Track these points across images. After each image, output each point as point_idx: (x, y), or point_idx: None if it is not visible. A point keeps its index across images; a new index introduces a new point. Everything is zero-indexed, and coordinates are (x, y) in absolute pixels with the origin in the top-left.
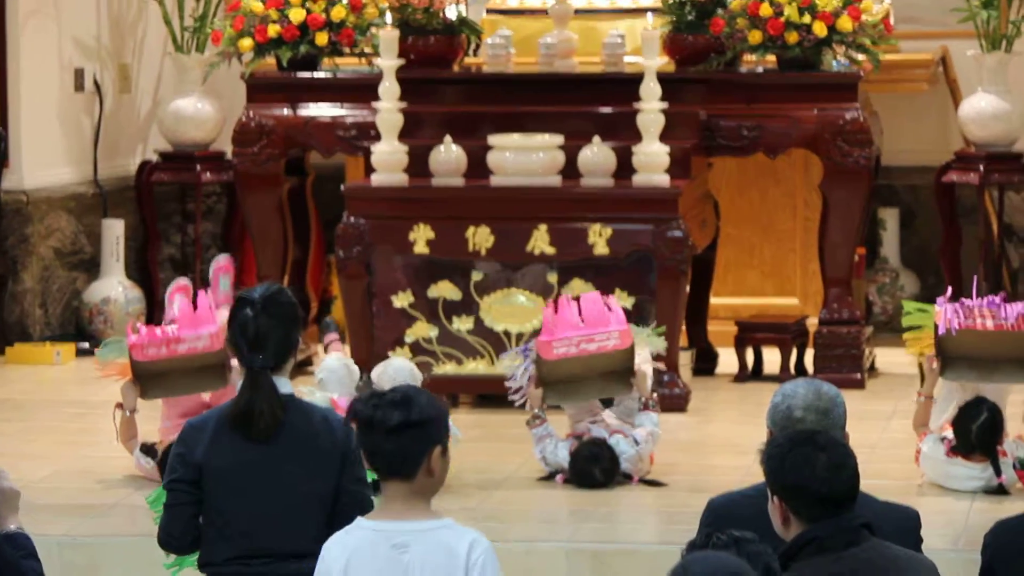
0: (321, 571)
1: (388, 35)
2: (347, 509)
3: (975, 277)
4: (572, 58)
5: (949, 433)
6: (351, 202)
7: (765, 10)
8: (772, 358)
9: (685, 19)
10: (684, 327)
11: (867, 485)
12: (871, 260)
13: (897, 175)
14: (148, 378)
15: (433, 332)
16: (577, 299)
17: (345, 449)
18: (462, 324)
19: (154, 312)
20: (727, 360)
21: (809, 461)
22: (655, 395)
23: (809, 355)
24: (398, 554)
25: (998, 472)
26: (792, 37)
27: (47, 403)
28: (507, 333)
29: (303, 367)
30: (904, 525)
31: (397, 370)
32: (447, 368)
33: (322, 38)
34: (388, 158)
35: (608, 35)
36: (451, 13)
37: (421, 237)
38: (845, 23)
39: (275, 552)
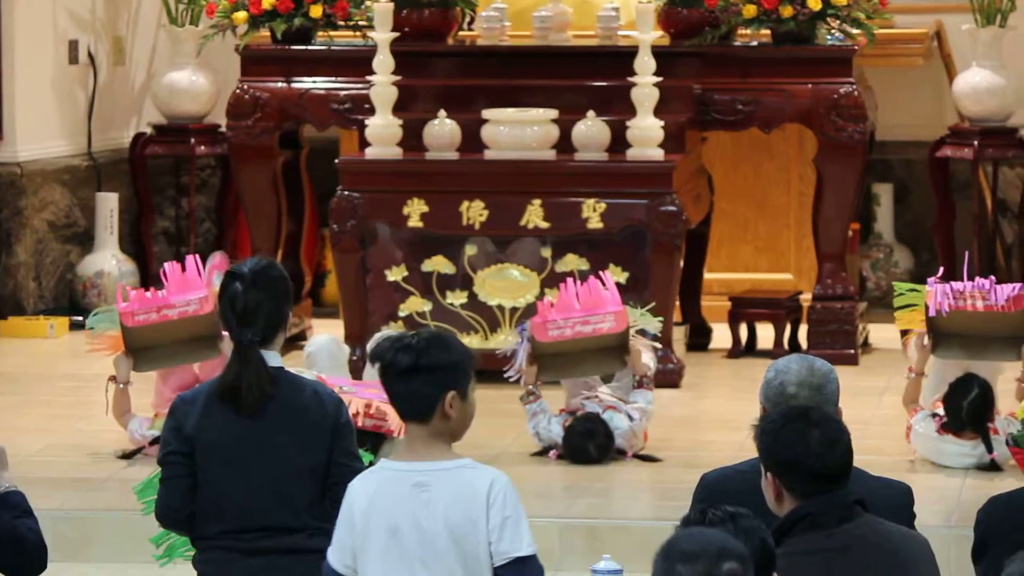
0: (344, 511)
1: (383, 8)
2: (339, 482)
3: (966, 254)
4: (567, 31)
5: (940, 410)
6: (345, 176)
7: None
8: (766, 333)
9: None
10: (678, 302)
11: (860, 461)
12: (865, 235)
13: (891, 150)
14: (140, 349)
15: (427, 306)
16: (576, 283)
17: (335, 422)
18: (456, 298)
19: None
20: (721, 335)
21: (803, 437)
22: (649, 373)
23: (803, 331)
24: (419, 492)
25: (989, 449)
26: (787, 11)
27: (40, 377)
28: (500, 308)
29: (295, 342)
30: (897, 501)
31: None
32: None
33: (316, 10)
34: (382, 131)
35: (603, 8)
36: None
37: (415, 211)
38: None
39: (267, 526)
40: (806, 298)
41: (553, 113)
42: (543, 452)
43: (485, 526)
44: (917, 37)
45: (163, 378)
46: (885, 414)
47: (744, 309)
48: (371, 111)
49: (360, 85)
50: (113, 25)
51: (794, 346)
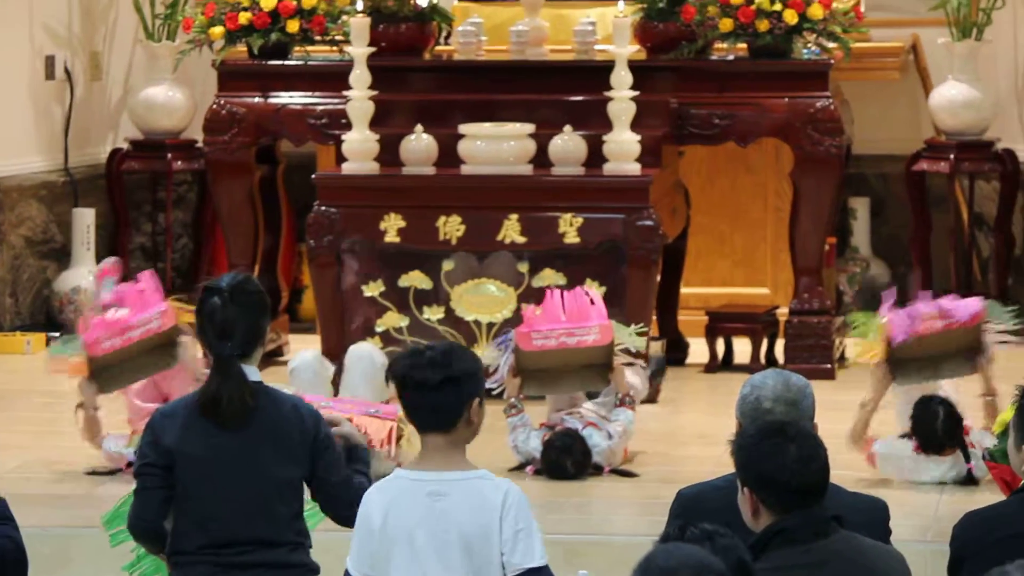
0: (362, 519)
1: (359, 23)
2: (338, 495)
3: (929, 293)
4: (543, 46)
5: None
6: (322, 191)
7: None
8: (743, 348)
9: (656, 7)
10: (655, 317)
11: (836, 476)
12: (842, 249)
13: (868, 164)
14: (102, 371)
15: (404, 322)
16: (562, 293)
17: (315, 437)
18: (433, 314)
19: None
20: (698, 350)
21: (779, 452)
22: (633, 392)
23: (779, 345)
24: (434, 501)
25: (968, 459)
26: (763, 25)
27: (17, 393)
28: (477, 323)
29: (272, 357)
30: (873, 516)
31: (359, 356)
32: None
33: (293, 26)
34: (359, 146)
35: (579, 23)
36: (422, 1)
37: (392, 226)
38: (816, 11)
39: (247, 540)
40: (783, 312)
41: (530, 128)
42: (520, 467)
43: (498, 537)
44: (893, 51)
45: (129, 392)
46: None
47: (721, 323)
48: (348, 126)
49: (337, 100)
50: (90, 40)
51: (771, 360)
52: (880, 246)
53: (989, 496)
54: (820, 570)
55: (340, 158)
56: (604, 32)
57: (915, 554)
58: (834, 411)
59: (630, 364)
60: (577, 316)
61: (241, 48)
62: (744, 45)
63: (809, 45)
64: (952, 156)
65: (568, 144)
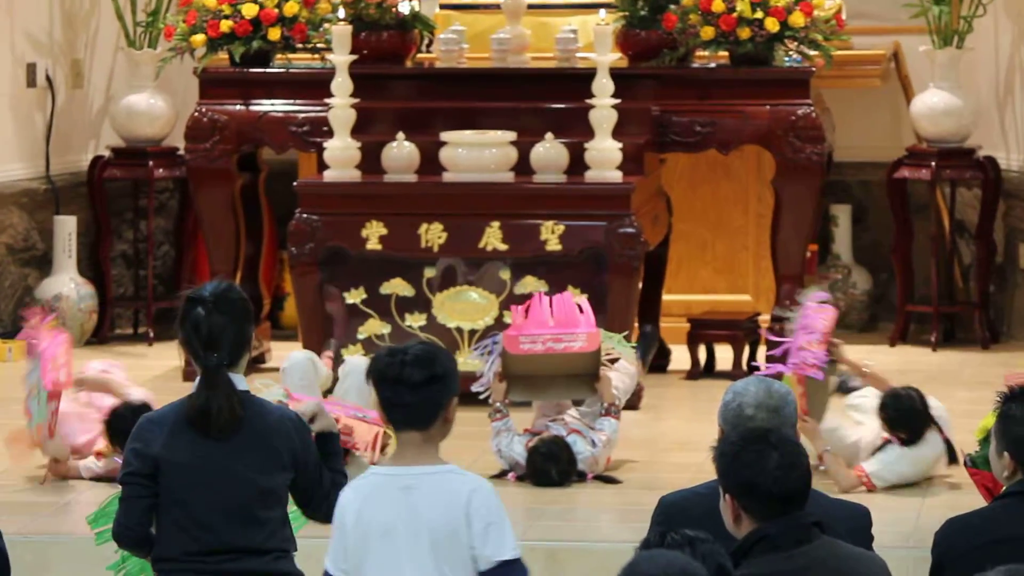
0: (337, 517)
1: (341, 30)
2: (328, 494)
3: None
4: (525, 54)
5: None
6: (304, 198)
7: (717, 6)
8: (725, 355)
9: (638, 15)
10: (636, 324)
11: (819, 483)
12: (823, 256)
13: (849, 171)
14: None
15: (385, 329)
16: (551, 299)
17: (300, 446)
18: (415, 321)
19: (106, 309)
20: (680, 357)
21: (761, 459)
22: (618, 402)
23: (761, 352)
24: (405, 495)
25: (951, 449)
26: (744, 33)
27: None
28: (459, 330)
29: (254, 364)
30: (855, 523)
31: (354, 369)
32: None
33: (275, 33)
34: (341, 154)
35: (561, 31)
36: (404, 8)
37: (374, 234)
38: (797, 19)
39: (232, 547)
40: (765, 319)
41: (511, 135)
42: (501, 475)
43: (467, 531)
44: (874, 59)
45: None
46: None
47: (703, 330)
48: (329, 134)
49: (318, 108)
50: (71, 48)
51: (753, 367)
52: (862, 253)
53: (971, 502)
54: None
55: (322, 166)
56: (586, 40)
57: (897, 560)
58: None
59: (614, 360)
60: (565, 322)
61: (223, 56)
62: (726, 53)
63: (790, 53)
64: (933, 163)
65: (550, 152)
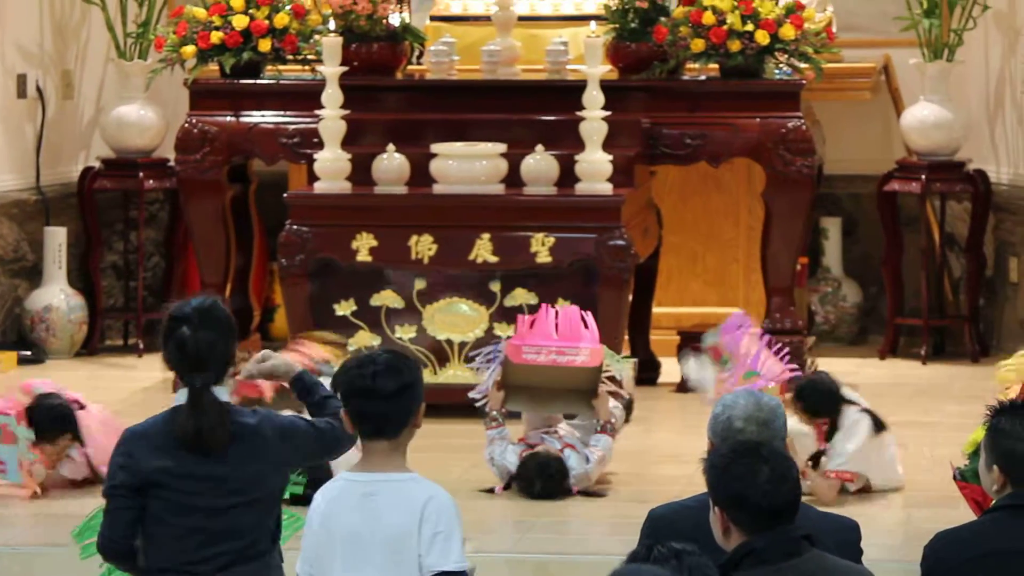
0: (308, 520)
1: (331, 42)
2: (335, 436)
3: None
4: (515, 66)
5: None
6: (294, 210)
7: (708, 18)
8: None
9: (628, 27)
10: (626, 336)
11: (808, 496)
12: (813, 269)
13: (839, 184)
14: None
15: (375, 341)
16: (556, 311)
17: (282, 446)
18: (405, 333)
19: (96, 320)
20: (669, 369)
21: (751, 472)
22: (613, 420)
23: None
24: (367, 501)
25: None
26: (735, 45)
27: None
28: (449, 342)
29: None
30: (844, 536)
31: None
32: None
33: (265, 45)
34: (331, 166)
35: (551, 43)
36: (395, 20)
37: (364, 245)
38: (787, 31)
39: (222, 555)
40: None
41: (502, 147)
42: (490, 490)
43: (417, 538)
44: (865, 71)
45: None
46: None
47: (693, 343)
48: (320, 145)
49: (309, 119)
50: (61, 59)
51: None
52: (852, 266)
53: (960, 515)
54: None
55: (312, 177)
56: (576, 52)
57: (886, 574)
58: None
59: (613, 393)
60: (569, 335)
61: (213, 67)
62: (716, 65)
63: (781, 65)
64: (923, 176)
65: (540, 164)
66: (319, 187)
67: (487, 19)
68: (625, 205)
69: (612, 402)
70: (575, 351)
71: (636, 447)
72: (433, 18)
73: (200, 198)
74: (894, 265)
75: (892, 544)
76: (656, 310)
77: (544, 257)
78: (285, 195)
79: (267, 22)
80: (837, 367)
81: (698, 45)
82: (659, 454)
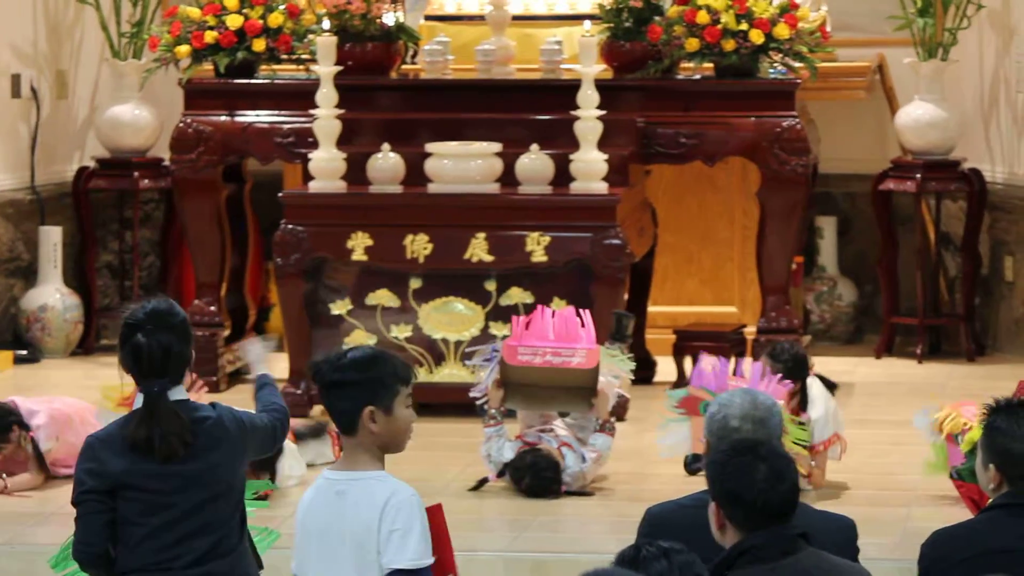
0: (297, 511)
1: (326, 41)
2: (274, 428)
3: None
4: (510, 65)
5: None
6: (289, 209)
7: (702, 17)
8: None
9: (622, 26)
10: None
11: (804, 494)
12: (809, 268)
13: (834, 183)
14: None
15: (371, 340)
16: (553, 312)
17: (241, 438)
18: (400, 332)
19: (91, 319)
20: (665, 368)
21: (749, 470)
22: (613, 419)
23: (747, 363)
24: (338, 499)
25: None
26: (729, 44)
27: None
28: (445, 341)
29: (240, 375)
30: (841, 535)
31: None
32: None
33: (259, 44)
34: (326, 165)
35: (546, 42)
36: (389, 19)
37: (359, 244)
38: (782, 31)
39: (194, 551)
40: (750, 331)
41: (497, 146)
42: (484, 480)
43: (376, 536)
44: (859, 70)
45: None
46: None
47: (688, 342)
48: (314, 144)
49: (303, 119)
50: (56, 59)
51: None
52: (847, 265)
53: (958, 514)
54: None
55: (307, 176)
56: (571, 51)
57: (883, 572)
58: None
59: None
60: (565, 337)
61: (207, 67)
62: (710, 64)
63: (775, 65)
64: (918, 175)
65: (535, 163)
66: (314, 186)
67: (481, 18)
68: (620, 204)
69: (616, 389)
70: (571, 353)
71: (632, 446)
72: (427, 17)
73: (195, 198)
74: (889, 264)
75: (889, 542)
76: (651, 309)
77: (539, 256)
78: (280, 194)
79: (261, 22)
80: (833, 366)
81: (692, 44)
82: (655, 453)
